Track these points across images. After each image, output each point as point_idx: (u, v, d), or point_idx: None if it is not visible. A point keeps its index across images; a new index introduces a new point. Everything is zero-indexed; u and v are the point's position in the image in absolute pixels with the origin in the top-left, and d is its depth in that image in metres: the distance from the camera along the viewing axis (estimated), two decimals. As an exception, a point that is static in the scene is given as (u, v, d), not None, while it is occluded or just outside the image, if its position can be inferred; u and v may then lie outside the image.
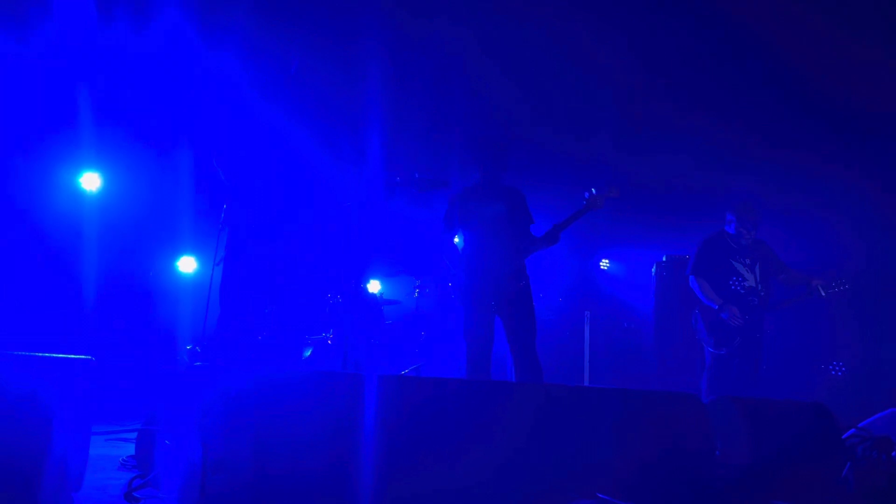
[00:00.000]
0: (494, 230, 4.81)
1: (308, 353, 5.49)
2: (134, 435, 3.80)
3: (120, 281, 6.49)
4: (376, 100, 5.91)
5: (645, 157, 7.22)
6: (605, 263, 8.47)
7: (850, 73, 6.18)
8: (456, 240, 4.98)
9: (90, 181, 6.24)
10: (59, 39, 5.55)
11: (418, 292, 6.74)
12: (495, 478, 2.57)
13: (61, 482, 2.40)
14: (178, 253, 6.77)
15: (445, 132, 6.89)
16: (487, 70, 6.48)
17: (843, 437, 3.52)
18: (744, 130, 6.90)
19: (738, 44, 6.23)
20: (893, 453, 3.32)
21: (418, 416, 2.49)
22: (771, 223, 6.58)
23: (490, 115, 6.91)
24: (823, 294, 5.38)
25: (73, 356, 2.48)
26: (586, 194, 4.82)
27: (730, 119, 6.81)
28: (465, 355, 4.73)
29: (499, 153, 4.96)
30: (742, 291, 5.33)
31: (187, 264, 6.79)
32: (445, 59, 6.32)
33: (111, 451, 3.66)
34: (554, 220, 4.83)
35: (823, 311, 7.42)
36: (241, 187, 3.80)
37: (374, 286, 6.74)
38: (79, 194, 6.23)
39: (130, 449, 3.56)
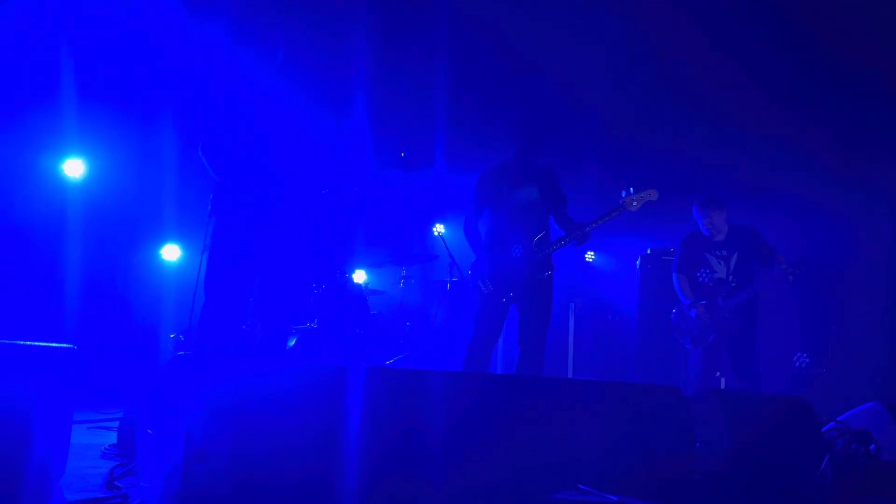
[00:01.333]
0: (524, 216, 4.57)
1: (293, 342, 5.48)
2: (116, 424, 3.79)
3: (102, 269, 6.44)
4: (364, 80, 5.86)
5: (634, 144, 7.24)
6: (590, 255, 8.51)
7: (842, 64, 6.21)
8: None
9: (73, 167, 6.17)
10: (38, 13, 5.44)
11: (403, 282, 6.74)
12: (477, 469, 2.57)
13: (43, 471, 2.39)
14: (161, 241, 6.72)
15: (433, 112, 6.85)
16: (477, 46, 6.40)
17: (822, 430, 3.56)
18: (736, 118, 6.93)
19: (733, 35, 6.24)
20: (872, 447, 3.37)
21: (401, 407, 2.49)
22: (756, 210, 6.65)
23: (481, 95, 6.86)
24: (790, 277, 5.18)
25: (54, 344, 2.46)
26: (623, 193, 4.60)
27: (722, 106, 6.83)
28: (468, 341, 4.57)
29: (538, 132, 4.68)
30: (710, 283, 5.34)
31: (171, 252, 6.75)
32: (435, 34, 6.25)
33: (93, 439, 3.64)
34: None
35: (804, 305, 7.51)
36: (227, 176, 3.77)
37: (359, 276, 6.73)
38: (61, 181, 6.16)
39: (112, 438, 3.55)
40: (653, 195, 4.59)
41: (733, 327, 5.29)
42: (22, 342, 2.42)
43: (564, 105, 6.92)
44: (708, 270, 5.36)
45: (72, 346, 2.51)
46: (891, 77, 6.20)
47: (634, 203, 4.56)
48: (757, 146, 7.10)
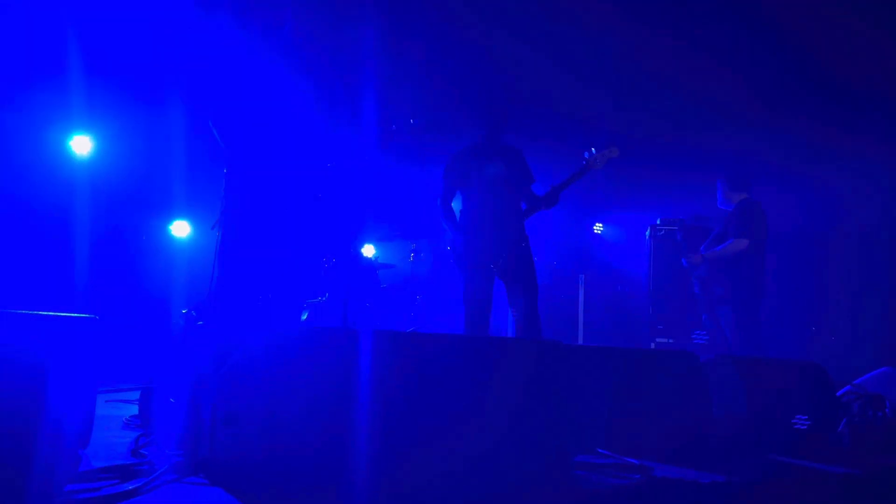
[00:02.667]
0: (494, 191, 4.73)
1: (305, 316, 5.50)
2: (134, 396, 3.82)
3: (112, 246, 6.45)
4: (371, 49, 5.82)
5: (641, 117, 7.21)
6: (598, 227, 8.49)
7: (850, 36, 6.17)
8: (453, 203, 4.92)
9: (81, 144, 6.15)
10: None
11: (413, 256, 6.74)
12: (497, 434, 2.59)
13: (69, 440, 2.41)
14: (171, 217, 6.73)
15: (440, 77, 6.80)
16: (483, 18, 6.37)
17: (838, 394, 3.58)
18: (742, 90, 6.89)
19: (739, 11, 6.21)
20: (887, 410, 3.39)
21: (421, 372, 2.50)
22: (765, 182, 6.67)
23: (484, 63, 6.81)
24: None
25: (76, 314, 2.47)
26: (585, 154, 4.75)
27: (727, 78, 6.79)
28: (463, 320, 4.68)
29: (502, 111, 4.87)
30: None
31: (181, 228, 6.75)
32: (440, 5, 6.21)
33: (113, 411, 3.67)
34: (552, 180, 4.77)
35: (811, 275, 7.52)
36: (239, 150, 3.76)
37: (368, 250, 6.73)
38: (69, 158, 6.15)
39: (132, 409, 3.58)
40: (614, 152, 4.72)
41: (714, 289, 5.61)
42: (45, 312, 2.43)
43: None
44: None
45: (94, 316, 2.52)
46: (881, 50, 6.16)
47: (598, 162, 4.71)
48: (753, 121, 7.08)
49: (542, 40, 6.74)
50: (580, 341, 7.34)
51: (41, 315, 2.41)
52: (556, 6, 6.31)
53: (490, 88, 6.72)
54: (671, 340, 6.68)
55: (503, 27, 6.48)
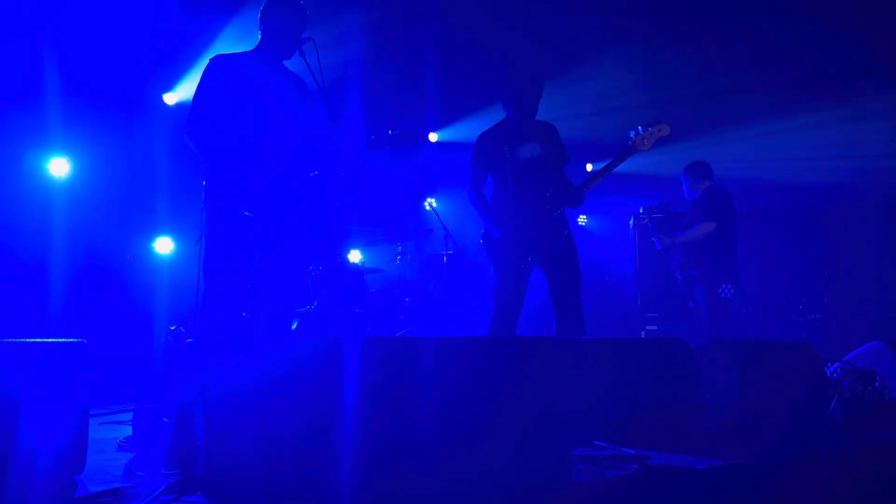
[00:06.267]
0: (530, 175, 4.29)
1: (294, 326, 5.48)
2: (128, 417, 3.79)
3: (94, 266, 6.39)
4: (350, 58, 5.79)
5: (625, 105, 7.25)
6: (582, 219, 8.53)
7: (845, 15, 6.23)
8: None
9: (58, 167, 6.10)
10: (19, 11, 5.33)
11: (400, 258, 6.74)
12: (495, 430, 2.59)
13: (63, 465, 2.39)
14: (153, 234, 6.68)
15: (420, 85, 6.79)
16: (464, 14, 6.35)
17: (828, 372, 3.61)
18: (726, 77, 6.96)
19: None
20: (878, 384, 3.42)
21: (414, 378, 2.50)
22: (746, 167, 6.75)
23: (468, 60, 6.80)
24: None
25: (65, 339, 2.45)
26: (631, 133, 4.29)
27: (714, 66, 6.85)
28: (491, 314, 4.28)
29: (535, 85, 4.38)
30: None
31: (164, 245, 6.71)
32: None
33: (107, 433, 3.64)
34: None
35: (796, 252, 7.59)
36: (216, 159, 3.72)
37: (354, 256, 6.72)
38: (47, 180, 6.10)
39: (126, 431, 3.55)
40: (664, 130, 4.31)
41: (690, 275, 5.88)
42: (33, 340, 2.41)
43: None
44: None
45: (82, 340, 2.50)
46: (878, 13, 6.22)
47: (646, 142, 4.28)
48: (744, 96, 7.14)
49: (533, 27, 6.74)
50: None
51: (29, 342, 2.40)
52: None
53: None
54: (660, 328, 6.72)
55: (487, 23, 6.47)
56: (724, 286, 5.56)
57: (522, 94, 4.36)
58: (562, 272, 4.27)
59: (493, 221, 4.34)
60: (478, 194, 4.44)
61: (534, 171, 4.31)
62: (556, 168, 4.38)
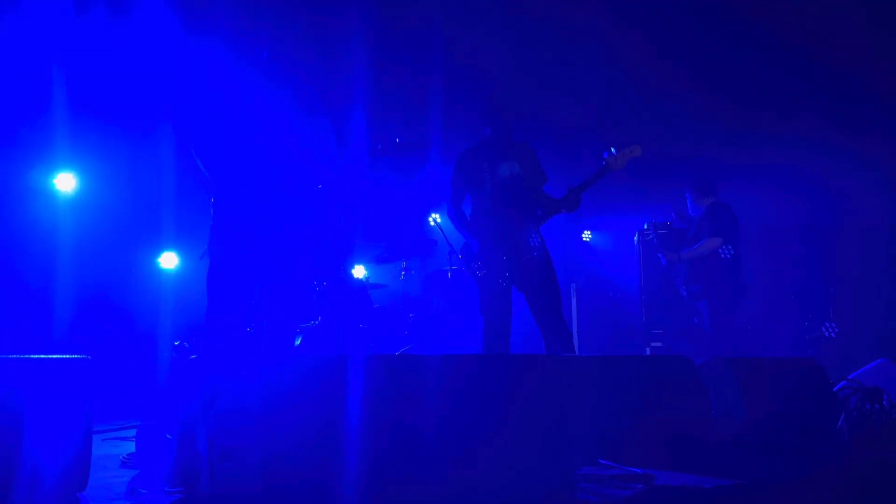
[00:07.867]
0: (509, 193, 4.38)
1: (298, 341, 5.47)
2: (130, 433, 3.78)
3: (100, 281, 6.39)
4: (355, 68, 5.80)
5: (630, 121, 7.26)
6: (587, 235, 8.52)
7: (838, 40, 6.25)
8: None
9: (65, 182, 6.13)
10: (27, 27, 5.37)
11: (404, 274, 6.74)
12: (499, 449, 2.58)
13: (66, 482, 2.39)
14: (159, 249, 6.69)
15: (425, 95, 6.81)
16: (469, 31, 6.38)
17: (834, 389, 3.58)
18: (728, 97, 6.98)
19: (731, 11, 6.28)
20: (885, 402, 3.39)
21: (418, 395, 2.50)
22: (751, 183, 6.77)
23: (471, 77, 6.83)
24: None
25: (70, 356, 2.45)
26: (605, 154, 4.40)
27: (717, 85, 6.88)
28: (481, 332, 4.35)
29: (511, 107, 4.52)
30: None
31: (169, 260, 6.72)
32: (425, 20, 6.22)
33: (110, 450, 3.63)
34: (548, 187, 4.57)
35: (803, 269, 7.56)
36: (223, 177, 3.74)
37: (358, 271, 6.72)
38: (53, 196, 6.12)
39: (129, 447, 3.54)
40: (636, 151, 4.41)
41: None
42: (37, 356, 2.41)
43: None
44: None
45: (86, 356, 2.50)
46: (880, 41, 6.23)
47: (618, 162, 4.39)
48: (747, 113, 7.15)
49: (526, 47, 6.77)
50: (576, 351, 7.33)
51: (33, 358, 2.40)
52: (542, 14, 6.34)
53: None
54: (666, 344, 6.70)
55: (489, 35, 6.50)
56: (728, 302, 5.57)
57: (499, 114, 4.48)
58: (540, 292, 4.35)
59: (472, 234, 4.46)
60: (457, 211, 4.56)
61: (512, 189, 4.41)
62: (535, 187, 4.50)
